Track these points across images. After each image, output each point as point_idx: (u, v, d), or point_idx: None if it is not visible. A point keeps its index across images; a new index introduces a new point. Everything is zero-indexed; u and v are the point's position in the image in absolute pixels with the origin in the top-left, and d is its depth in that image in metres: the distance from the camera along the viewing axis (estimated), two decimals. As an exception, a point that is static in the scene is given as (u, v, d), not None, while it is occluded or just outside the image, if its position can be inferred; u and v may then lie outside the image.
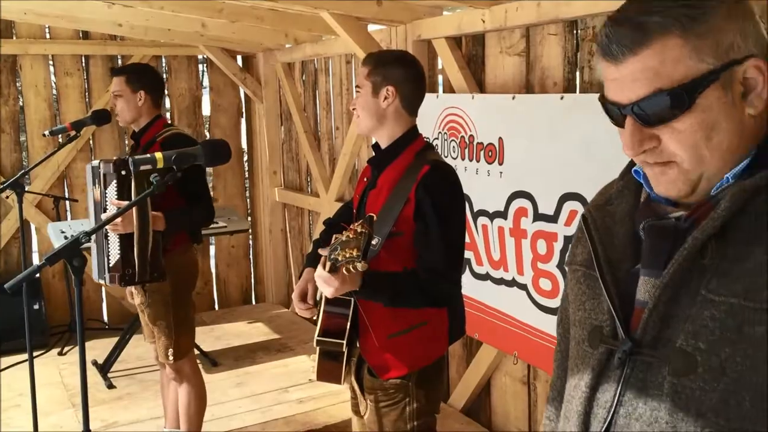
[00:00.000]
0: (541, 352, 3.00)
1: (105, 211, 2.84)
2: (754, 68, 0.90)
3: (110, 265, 2.84)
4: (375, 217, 2.12)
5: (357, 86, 2.27)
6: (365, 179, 2.45)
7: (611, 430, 0.96)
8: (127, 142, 5.61)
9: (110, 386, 4.42)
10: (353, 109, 2.31)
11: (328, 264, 2.06)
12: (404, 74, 2.24)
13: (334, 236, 2.30)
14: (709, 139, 0.91)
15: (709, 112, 0.90)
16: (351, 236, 2.18)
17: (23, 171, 2.97)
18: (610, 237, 1.06)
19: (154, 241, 2.82)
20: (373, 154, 2.35)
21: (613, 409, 0.96)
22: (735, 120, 0.91)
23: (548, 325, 2.95)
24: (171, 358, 3.15)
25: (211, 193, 5.90)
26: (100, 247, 2.87)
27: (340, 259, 2.05)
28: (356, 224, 2.18)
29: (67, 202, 5.40)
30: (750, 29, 0.91)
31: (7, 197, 5.10)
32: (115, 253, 2.84)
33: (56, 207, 5.03)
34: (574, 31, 2.96)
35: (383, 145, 2.30)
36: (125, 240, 2.82)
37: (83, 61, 5.50)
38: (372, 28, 4.12)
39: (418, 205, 2.15)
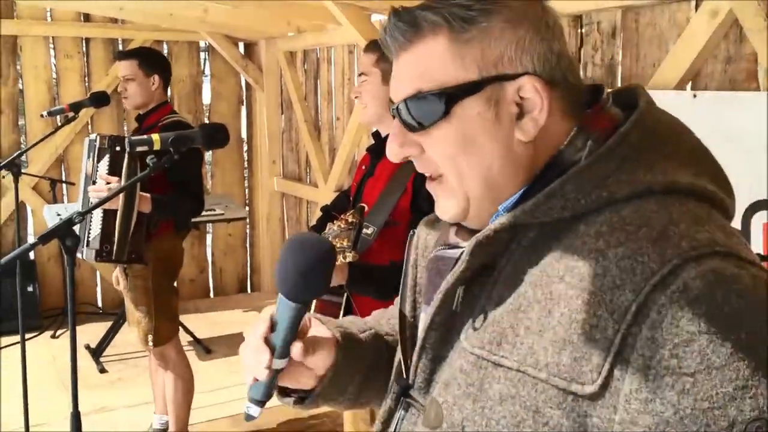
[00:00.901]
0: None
1: (93, 184, 2.83)
2: (531, 88, 0.79)
3: (89, 239, 2.83)
4: (366, 208, 2.10)
5: (363, 74, 2.23)
6: (363, 167, 2.43)
7: None
8: (126, 126, 5.59)
9: (102, 370, 4.41)
10: (356, 98, 2.28)
11: None
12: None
13: (327, 225, 2.28)
14: (468, 156, 0.82)
15: (468, 127, 0.81)
16: (342, 226, 2.16)
17: (20, 152, 2.95)
18: (423, 260, 0.99)
19: (137, 222, 2.80)
20: (373, 142, 2.33)
21: None
22: (500, 142, 0.81)
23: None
24: (150, 343, 3.14)
25: (208, 184, 5.90)
26: (83, 221, 2.86)
27: None
28: (347, 214, 2.16)
29: (64, 186, 5.37)
30: (531, 44, 0.80)
31: (3, 177, 5.07)
32: (96, 228, 2.82)
33: (53, 190, 5.01)
34: (578, 27, 2.94)
35: (385, 133, 2.27)
36: (108, 216, 2.80)
37: (84, 43, 5.46)
38: (375, 18, 4.09)
39: (415, 195, 2.13)
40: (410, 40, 0.83)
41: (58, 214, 4.32)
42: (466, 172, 0.83)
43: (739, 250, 0.71)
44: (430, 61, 0.82)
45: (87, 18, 5.41)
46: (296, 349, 0.93)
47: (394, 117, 0.87)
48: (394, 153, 0.88)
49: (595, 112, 0.84)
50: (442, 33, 0.81)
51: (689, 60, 2.47)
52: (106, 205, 2.75)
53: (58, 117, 3.25)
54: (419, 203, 2.11)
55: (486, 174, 0.83)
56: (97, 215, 2.83)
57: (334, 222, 2.22)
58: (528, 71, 0.80)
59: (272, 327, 0.94)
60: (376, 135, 2.33)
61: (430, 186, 0.89)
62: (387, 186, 2.18)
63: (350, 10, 3.76)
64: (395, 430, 0.92)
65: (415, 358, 0.89)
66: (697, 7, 2.52)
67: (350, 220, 2.14)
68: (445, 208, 0.88)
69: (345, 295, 2.22)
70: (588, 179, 0.77)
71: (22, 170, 3.56)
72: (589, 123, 0.83)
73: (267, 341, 0.93)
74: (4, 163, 2.82)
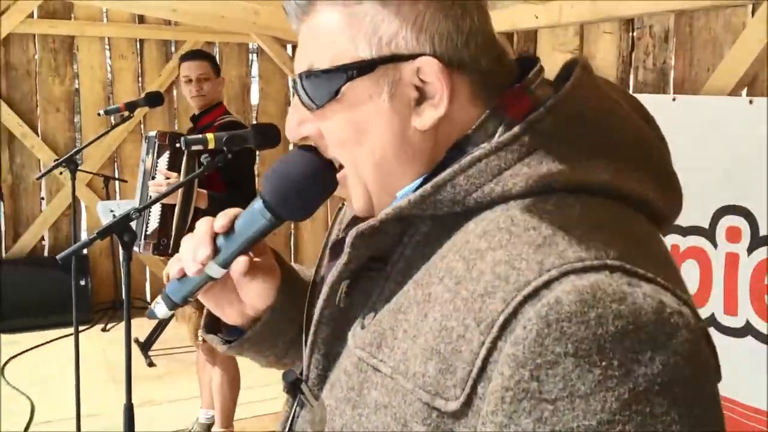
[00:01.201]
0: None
1: (153, 179, 2.91)
2: (431, 71, 0.70)
3: (147, 233, 2.90)
4: None
5: None
6: None
7: None
8: (177, 125, 5.70)
9: (150, 364, 4.51)
10: None
11: None
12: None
13: None
14: (360, 144, 0.74)
15: (359, 110, 0.73)
16: None
17: (77, 149, 3.04)
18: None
19: (193, 218, 2.87)
20: None
21: None
22: (394, 130, 0.73)
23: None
24: (200, 339, 3.20)
25: (257, 184, 5.98)
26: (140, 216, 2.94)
27: None
28: None
29: (117, 182, 5.51)
30: (433, 22, 0.71)
31: (61, 173, 5.23)
32: (154, 222, 2.89)
33: (106, 186, 5.14)
34: (630, 30, 2.91)
35: None
36: (166, 211, 2.88)
37: (137, 44, 5.60)
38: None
39: None
40: (305, 11, 0.75)
41: (111, 211, 4.43)
42: (360, 163, 0.76)
43: (639, 265, 0.61)
44: (322, 36, 0.73)
45: (141, 19, 5.55)
46: (239, 263, 0.82)
47: (294, 93, 0.81)
48: (290, 131, 0.80)
49: (515, 92, 0.73)
50: (335, 5, 0.73)
51: (745, 65, 2.43)
52: (165, 200, 2.83)
53: (112, 116, 3.35)
54: None
55: (381, 165, 0.74)
56: (156, 210, 2.90)
57: None
58: (426, 52, 0.71)
59: (229, 230, 0.83)
60: None
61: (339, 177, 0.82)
62: None
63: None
64: (290, 428, 0.84)
65: (307, 352, 0.81)
66: (754, 11, 2.47)
67: None
68: (351, 201, 0.81)
69: None
70: (482, 171, 0.68)
71: (79, 166, 3.68)
72: (506, 105, 0.72)
73: (215, 241, 0.83)
74: (62, 159, 2.91)
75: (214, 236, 0.82)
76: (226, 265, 0.82)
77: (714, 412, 0.61)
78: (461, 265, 0.66)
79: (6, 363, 4.43)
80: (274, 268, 0.89)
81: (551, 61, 2.91)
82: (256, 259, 0.86)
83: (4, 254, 5.29)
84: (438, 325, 0.64)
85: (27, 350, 4.63)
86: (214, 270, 0.82)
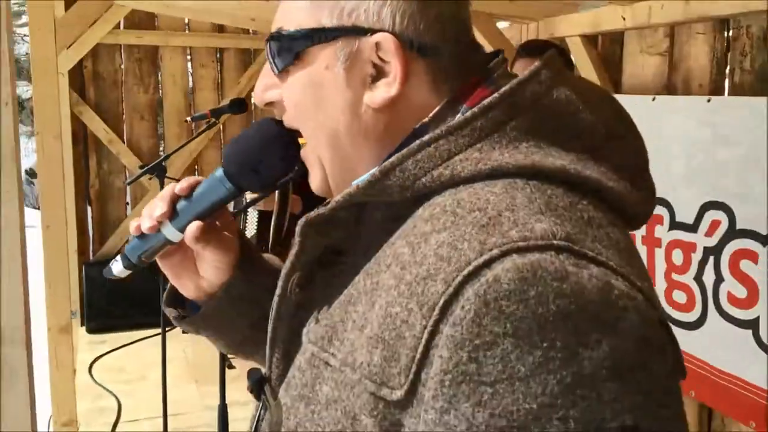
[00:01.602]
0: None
1: None
2: (389, 49, 0.69)
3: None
4: None
5: None
6: None
7: None
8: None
9: (230, 366, 4.59)
10: None
11: None
12: (570, 67, 2.14)
13: None
14: (315, 111, 0.74)
15: (315, 77, 0.73)
16: None
17: (166, 155, 3.12)
18: None
19: (289, 224, 2.90)
20: None
21: None
22: (347, 104, 0.72)
23: (683, 341, 2.80)
24: None
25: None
26: (237, 223, 2.98)
27: None
28: None
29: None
30: (397, 2, 0.70)
31: (150, 179, 5.39)
32: (251, 229, 2.94)
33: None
34: (725, 31, 2.80)
35: None
36: (263, 218, 2.91)
37: (218, 53, 5.74)
38: (500, 25, 4.06)
39: None
40: None
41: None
42: (314, 134, 0.76)
43: (590, 248, 0.58)
44: (293, 4, 0.76)
45: (221, 29, 5.68)
46: (192, 227, 0.82)
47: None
48: (257, 95, 0.81)
49: (475, 83, 0.72)
50: None
51: None
52: (262, 206, 2.87)
53: (194, 123, 3.42)
54: None
55: (333, 138, 0.74)
56: (252, 217, 2.95)
57: None
58: (385, 28, 0.70)
59: (190, 195, 0.84)
60: None
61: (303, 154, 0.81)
62: None
63: (477, 17, 3.74)
64: (255, 429, 0.83)
65: (268, 351, 0.80)
66: None
67: None
68: (311, 179, 0.80)
69: None
70: (432, 155, 0.66)
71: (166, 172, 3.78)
72: (464, 95, 0.72)
73: (174, 204, 0.84)
74: (151, 165, 2.99)
75: (176, 200, 0.84)
76: (182, 228, 0.83)
77: (671, 405, 0.57)
78: (407, 251, 0.64)
79: (93, 362, 4.59)
80: (231, 243, 0.89)
81: (639, 64, 2.82)
82: (217, 232, 0.86)
83: (91, 257, 5.48)
84: (383, 313, 0.62)
85: (113, 350, 4.79)
86: (171, 232, 0.83)
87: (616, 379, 0.54)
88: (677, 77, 3.01)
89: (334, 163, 0.76)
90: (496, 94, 0.67)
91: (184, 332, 3.85)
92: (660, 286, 2.92)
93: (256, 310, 0.91)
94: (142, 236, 0.85)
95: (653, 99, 2.98)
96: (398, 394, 0.60)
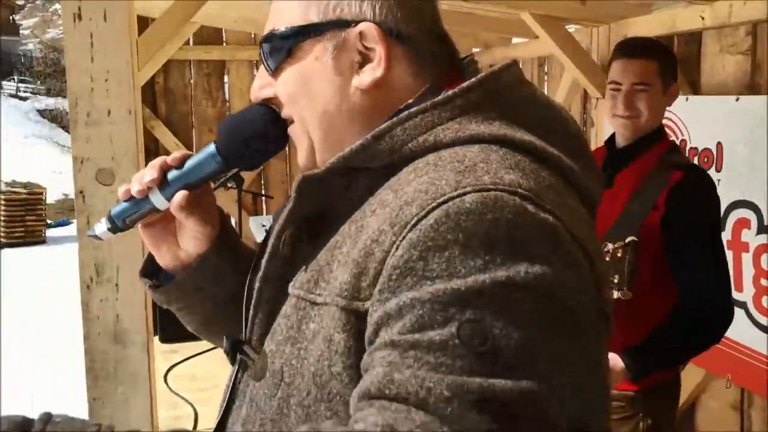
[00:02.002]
0: (759, 376, 2.76)
1: None
2: (371, 38, 0.79)
3: None
4: (638, 243, 1.88)
5: (643, 83, 2.00)
6: None
7: (224, 425, 0.89)
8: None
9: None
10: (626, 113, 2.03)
11: None
12: (674, 67, 2.07)
13: None
14: (306, 97, 0.83)
15: (306, 69, 0.83)
16: (607, 260, 1.88)
17: (242, 166, 3.17)
18: None
19: None
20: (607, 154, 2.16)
21: (224, 406, 0.89)
22: (336, 88, 0.81)
23: (772, 346, 2.70)
24: None
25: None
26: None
27: None
28: (615, 246, 1.91)
29: (263, 199, 5.73)
30: None
31: (227, 189, 5.50)
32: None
33: (254, 203, 5.35)
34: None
35: (625, 142, 2.08)
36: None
37: (282, 66, 5.82)
38: (569, 29, 4.01)
39: (671, 215, 1.91)
40: None
41: (263, 225, 4.61)
42: (305, 115, 0.84)
43: (548, 203, 0.67)
44: (283, 6, 0.85)
45: (285, 42, 5.75)
46: (179, 196, 0.89)
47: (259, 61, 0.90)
48: (253, 93, 0.90)
49: (452, 76, 0.83)
50: None
51: None
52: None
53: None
54: (672, 220, 1.90)
55: (322, 117, 0.83)
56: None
57: None
58: (367, 18, 0.80)
59: (180, 166, 0.90)
60: (610, 143, 2.16)
61: (290, 133, 0.88)
62: (631, 200, 1.99)
63: (547, 22, 3.70)
64: (231, 390, 0.88)
65: (251, 313, 0.85)
66: None
67: (620, 255, 1.86)
68: (298, 155, 0.88)
69: None
70: (418, 124, 0.76)
71: (228, 184, 3.85)
72: (443, 83, 0.82)
73: (164, 174, 0.90)
74: (231, 174, 3.05)
75: (166, 169, 0.89)
76: (168, 197, 0.88)
77: (582, 339, 0.64)
78: (391, 195, 0.72)
79: (168, 371, 4.69)
80: (213, 218, 0.95)
81: (720, 63, 2.72)
82: (200, 204, 0.91)
83: (162, 267, 5.60)
84: (362, 245, 0.70)
85: (187, 359, 4.88)
86: (158, 199, 0.88)
87: (542, 296, 0.62)
88: (761, 77, 2.92)
89: (325, 140, 0.84)
90: (473, 80, 0.77)
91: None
92: (748, 291, 2.82)
93: (226, 287, 0.97)
94: (129, 200, 0.90)
95: (737, 99, 2.90)
96: (368, 304, 0.66)
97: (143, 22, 3.97)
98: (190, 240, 0.95)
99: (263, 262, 0.84)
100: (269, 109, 0.88)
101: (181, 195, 0.89)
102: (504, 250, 0.62)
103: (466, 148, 0.73)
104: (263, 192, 5.76)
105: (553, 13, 3.65)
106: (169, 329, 5.14)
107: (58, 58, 28.58)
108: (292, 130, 0.87)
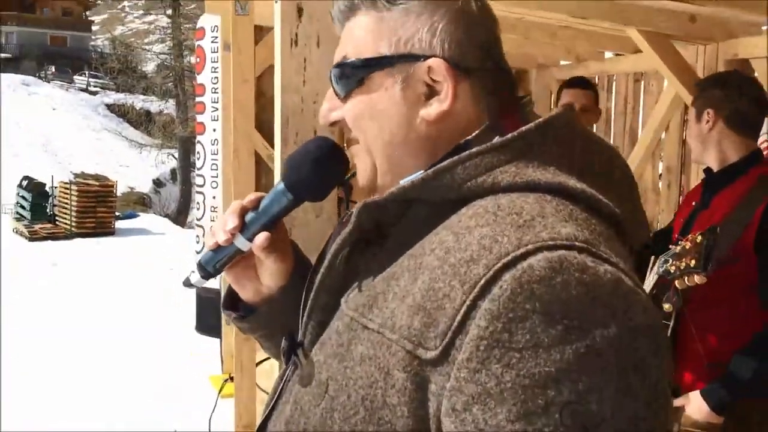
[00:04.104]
0: None
1: None
2: (440, 71, 0.84)
3: None
4: (718, 229, 1.93)
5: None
6: (693, 203, 2.35)
7: (266, 425, 0.95)
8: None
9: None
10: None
11: (652, 278, 1.93)
12: (723, 95, 2.11)
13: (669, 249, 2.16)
14: (373, 120, 0.88)
15: (376, 97, 0.87)
16: (688, 246, 1.94)
17: (353, 173, 3.23)
18: None
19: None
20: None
21: (272, 405, 0.95)
22: (403, 117, 0.86)
23: None
24: None
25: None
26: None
27: (672, 270, 1.85)
28: (694, 235, 1.96)
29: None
30: (445, 29, 0.85)
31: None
32: None
33: (338, 208, 5.43)
34: None
35: (715, 168, 2.20)
36: None
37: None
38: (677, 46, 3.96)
39: (764, 229, 1.95)
40: (347, 16, 0.91)
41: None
42: (370, 138, 0.88)
43: (603, 251, 0.71)
44: (357, 35, 0.89)
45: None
46: (262, 236, 0.95)
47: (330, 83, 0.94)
48: (323, 116, 0.94)
49: (511, 112, 0.88)
50: (369, 10, 0.88)
51: None
52: None
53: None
54: (766, 236, 1.93)
55: (388, 144, 0.87)
56: None
57: (677, 244, 2.11)
58: (436, 54, 0.84)
59: (256, 207, 0.96)
60: (707, 170, 2.27)
61: (349, 150, 0.94)
62: (726, 219, 2.03)
63: (654, 38, 3.67)
64: (282, 387, 0.93)
65: (305, 318, 0.91)
66: None
67: (699, 240, 1.92)
68: (359, 174, 0.93)
69: (673, 320, 2.11)
70: (478, 165, 0.80)
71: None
72: (503, 122, 0.86)
73: (242, 216, 0.96)
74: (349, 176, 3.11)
75: (245, 213, 0.96)
76: (251, 238, 0.94)
77: (657, 396, 0.68)
78: (452, 238, 0.76)
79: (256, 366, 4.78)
80: (288, 252, 1.02)
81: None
82: (276, 241, 0.97)
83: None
84: (426, 287, 0.74)
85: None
86: (241, 242, 0.94)
87: (621, 358, 0.66)
88: None
89: (387, 165, 0.89)
90: (531, 125, 0.81)
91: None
92: None
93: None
94: (216, 248, 0.96)
95: None
96: (432, 354, 0.71)
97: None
98: (271, 275, 1.01)
99: (320, 272, 0.89)
100: (327, 140, 0.96)
101: (263, 237, 0.95)
102: (579, 311, 0.67)
103: (522, 197, 0.77)
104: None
105: (661, 29, 3.62)
106: (204, 322, 5.19)
107: (127, 54, 29.36)
108: (356, 151, 0.92)
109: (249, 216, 0.96)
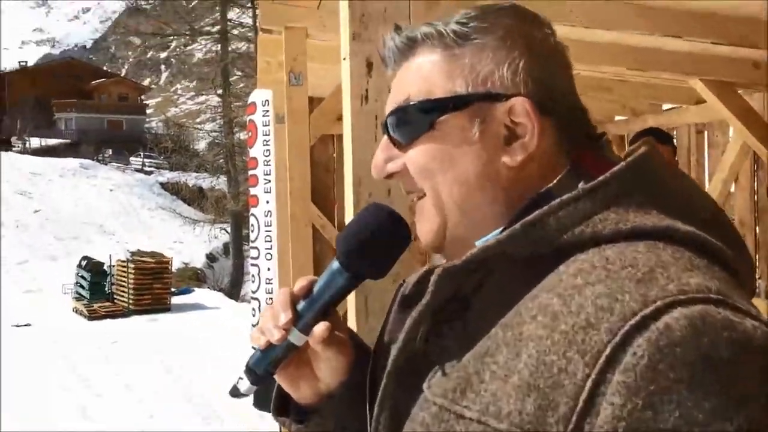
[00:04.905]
0: None
1: None
2: (522, 111, 0.74)
3: None
4: None
5: None
6: None
7: None
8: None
9: None
10: None
11: None
12: None
13: None
14: (446, 172, 0.77)
15: (450, 142, 0.77)
16: None
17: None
18: None
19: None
20: None
21: None
22: (481, 163, 0.76)
23: None
24: None
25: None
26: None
27: None
28: None
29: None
30: (526, 67, 0.76)
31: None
32: None
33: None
34: None
35: None
36: None
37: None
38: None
39: None
40: (405, 55, 0.81)
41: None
42: (443, 190, 0.78)
43: (739, 303, 0.61)
44: (421, 74, 0.79)
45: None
46: (320, 327, 0.80)
47: (383, 133, 0.83)
48: (378, 168, 0.83)
49: (594, 153, 0.79)
50: (435, 47, 0.79)
51: None
52: None
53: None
54: None
55: (462, 195, 0.77)
56: None
57: None
58: (520, 93, 0.76)
59: (308, 294, 0.82)
60: None
61: (413, 207, 0.83)
62: None
63: (719, 87, 3.56)
64: None
65: (376, 410, 0.78)
66: None
67: None
68: (423, 231, 0.81)
69: None
70: (572, 214, 0.70)
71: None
72: (585, 165, 0.77)
73: (294, 307, 0.82)
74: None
75: (296, 302, 0.83)
76: (306, 330, 0.81)
77: None
78: (557, 302, 0.65)
79: None
80: (346, 341, 0.88)
81: None
82: (335, 324, 0.85)
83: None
84: (534, 362, 0.63)
85: None
86: (296, 336, 0.81)
87: None
88: None
89: (461, 218, 0.78)
90: (623, 165, 0.72)
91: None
92: None
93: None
94: (266, 348, 0.83)
95: None
96: None
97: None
98: (330, 371, 0.87)
99: (392, 354, 0.77)
100: (383, 208, 0.84)
101: (322, 327, 0.81)
102: (734, 377, 0.57)
103: (631, 246, 0.67)
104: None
105: (725, 78, 3.51)
106: (262, 397, 5.08)
107: (180, 134, 30.39)
108: (422, 206, 0.81)
109: (301, 304, 0.83)
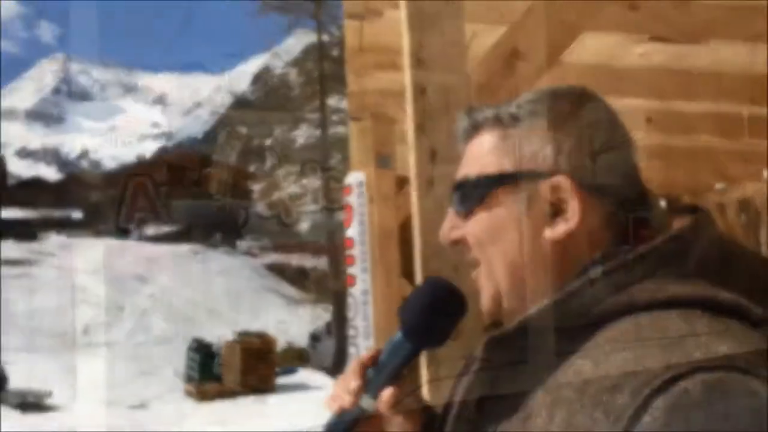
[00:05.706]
0: None
1: None
2: (565, 189, 0.80)
3: None
4: None
5: None
6: None
7: None
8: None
9: None
10: None
11: None
12: None
13: None
14: (495, 243, 0.84)
15: (499, 215, 0.84)
16: None
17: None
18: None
19: None
20: None
21: None
22: (527, 237, 0.82)
23: None
24: None
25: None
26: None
27: None
28: None
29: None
30: (570, 148, 0.82)
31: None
32: None
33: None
34: None
35: None
36: None
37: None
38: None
39: None
40: (470, 135, 0.89)
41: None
42: (494, 261, 0.84)
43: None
44: (480, 153, 0.87)
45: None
46: (388, 394, 0.87)
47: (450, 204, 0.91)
48: (443, 234, 0.91)
49: (641, 226, 0.82)
50: (493, 128, 0.87)
51: None
52: None
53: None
54: None
55: (511, 266, 0.83)
56: None
57: None
58: (561, 170, 0.81)
59: (376, 362, 0.90)
60: None
61: (474, 277, 0.89)
62: None
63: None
64: None
65: None
66: None
67: None
68: (482, 300, 0.87)
69: None
70: (609, 284, 0.75)
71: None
72: (632, 237, 0.80)
73: (364, 374, 0.90)
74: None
75: (364, 370, 0.90)
76: (375, 395, 0.88)
77: None
78: (589, 367, 0.70)
79: None
80: (416, 407, 0.94)
81: None
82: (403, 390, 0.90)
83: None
84: (564, 423, 0.68)
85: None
86: (366, 402, 0.88)
87: None
88: None
89: (511, 289, 0.84)
90: (666, 236, 0.77)
91: None
92: None
93: None
94: (340, 413, 0.90)
95: None
96: None
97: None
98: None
99: (449, 422, 0.85)
100: (440, 280, 0.92)
101: (388, 393, 0.88)
102: None
103: (665, 314, 0.71)
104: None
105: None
106: None
107: (281, 215, 31.44)
108: (478, 276, 0.88)
109: (370, 372, 0.91)
